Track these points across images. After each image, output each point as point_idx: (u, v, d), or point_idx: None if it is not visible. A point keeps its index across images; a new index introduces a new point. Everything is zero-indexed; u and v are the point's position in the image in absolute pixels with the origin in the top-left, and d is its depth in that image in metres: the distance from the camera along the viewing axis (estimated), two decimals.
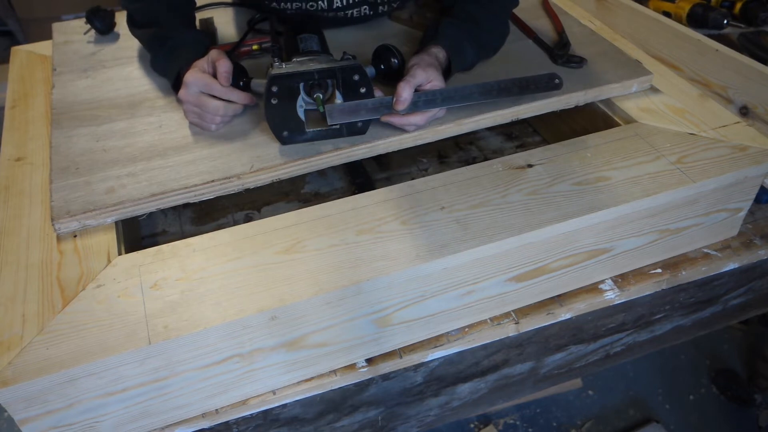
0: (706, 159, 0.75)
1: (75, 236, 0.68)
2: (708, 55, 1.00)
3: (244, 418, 0.69)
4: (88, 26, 1.00)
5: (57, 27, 1.05)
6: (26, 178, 0.78)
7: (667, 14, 1.27)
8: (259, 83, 0.81)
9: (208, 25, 1.01)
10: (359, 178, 0.88)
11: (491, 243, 0.65)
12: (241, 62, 0.85)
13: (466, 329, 0.74)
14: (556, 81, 0.81)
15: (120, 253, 0.67)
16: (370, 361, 0.71)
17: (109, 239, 0.68)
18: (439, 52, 0.82)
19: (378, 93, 0.77)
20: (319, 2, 0.93)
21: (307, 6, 0.94)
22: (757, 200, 0.85)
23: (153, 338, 0.57)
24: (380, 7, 0.99)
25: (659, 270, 0.81)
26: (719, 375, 1.79)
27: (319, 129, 0.76)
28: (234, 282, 0.62)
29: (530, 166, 0.75)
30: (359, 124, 0.76)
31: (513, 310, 0.76)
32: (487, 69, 0.88)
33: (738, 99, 0.94)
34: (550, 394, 1.76)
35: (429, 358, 0.73)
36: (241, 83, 0.81)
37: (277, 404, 0.69)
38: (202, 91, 0.76)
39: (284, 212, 0.69)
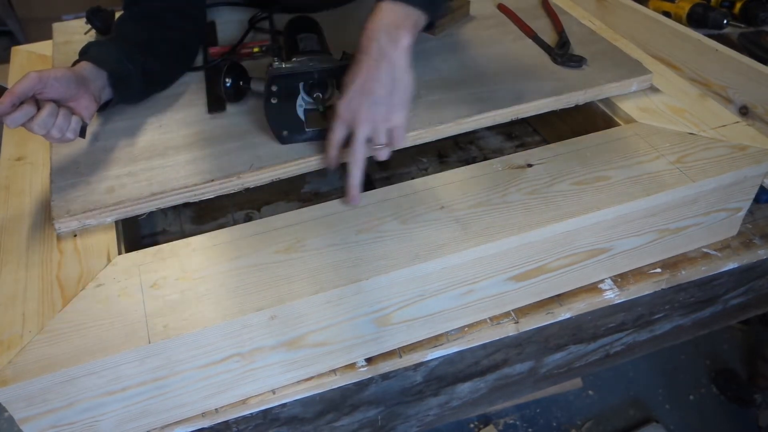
0: (705, 159, 0.75)
1: (75, 235, 0.68)
2: (708, 55, 1.00)
3: (243, 418, 0.69)
4: (88, 26, 1.00)
5: (57, 27, 1.05)
6: (26, 177, 0.78)
7: (667, 14, 1.27)
8: (258, 83, 0.81)
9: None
10: None
11: (491, 242, 0.65)
12: (240, 63, 0.85)
13: (466, 329, 0.74)
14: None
15: (120, 253, 0.67)
16: (369, 360, 0.71)
17: (109, 238, 0.68)
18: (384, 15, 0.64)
19: None
20: None
21: None
22: (757, 200, 0.85)
23: (153, 337, 0.57)
24: None
25: (659, 270, 0.81)
26: (719, 375, 1.79)
27: (318, 129, 0.76)
28: (234, 281, 0.62)
29: (530, 165, 0.75)
30: None
31: (512, 310, 0.76)
32: (485, 69, 0.88)
33: (738, 99, 0.94)
34: (550, 394, 1.76)
35: (428, 358, 0.73)
36: (241, 83, 0.82)
37: (276, 403, 0.69)
38: None
39: (284, 212, 0.69)
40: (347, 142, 0.69)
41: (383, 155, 0.69)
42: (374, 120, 0.65)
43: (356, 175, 0.68)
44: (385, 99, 0.64)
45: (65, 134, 0.68)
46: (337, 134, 0.68)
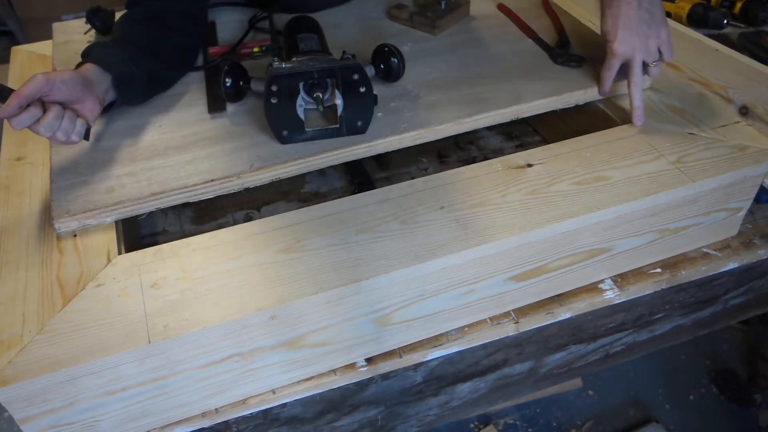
0: (705, 158, 0.75)
1: (75, 235, 0.68)
2: (708, 55, 1.00)
3: (243, 418, 0.69)
4: (88, 26, 1.00)
5: (57, 27, 1.05)
6: (26, 177, 0.78)
7: (667, 14, 1.26)
8: (258, 83, 0.81)
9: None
10: (359, 177, 0.88)
11: (491, 242, 0.65)
12: (240, 63, 0.85)
13: (466, 329, 0.74)
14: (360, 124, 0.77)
15: (120, 253, 0.67)
16: (369, 360, 0.71)
17: (109, 238, 0.68)
18: None
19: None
20: None
21: None
22: (757, 200, 0.85)
23: (153, 337, 0.57)
24: None
25: (659, 270, 0.81)
26: (719, 375, 1.79)
27: (318, 128, 0.76)
28: (233, 281, 0.62)
29: (530, 165, 0.75)
30: (359, 123, 0.76)
31: (512, 310, 0.76)
32: (485, 69, 0.88)
33: (738, 99, 0.93)
34: (550, 394, 1.76)
35: (428, 358, 0.73)
36: (241, 83, 0.82)
37: (276, 403, 0.69)
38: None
39: (284, 212, 0.69)
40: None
41: (658, 71, 0.81)
42: (647, 44, 0.77)
43: (639, 97, 0.79)
44: (651, 22, 0.77)
45: (70, 137, 0.69)
46: (614, 70, 0.81)
